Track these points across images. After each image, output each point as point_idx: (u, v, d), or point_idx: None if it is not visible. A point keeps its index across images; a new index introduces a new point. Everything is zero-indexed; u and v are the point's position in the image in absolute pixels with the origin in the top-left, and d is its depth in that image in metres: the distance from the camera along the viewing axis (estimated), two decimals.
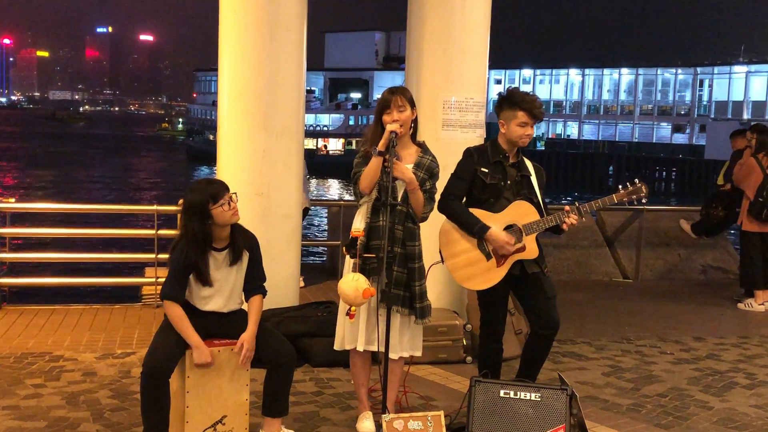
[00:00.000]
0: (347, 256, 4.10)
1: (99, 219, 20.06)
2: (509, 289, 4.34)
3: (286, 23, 5.82)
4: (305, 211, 7.79)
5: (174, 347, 3.74)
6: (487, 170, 4.20)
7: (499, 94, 4.32)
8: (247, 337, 3.84)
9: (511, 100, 4.19)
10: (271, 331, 4.02)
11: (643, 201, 4.25)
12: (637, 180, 4.28)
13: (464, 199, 4.28)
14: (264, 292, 4.02)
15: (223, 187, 3.82)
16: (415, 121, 4.13)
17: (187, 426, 3.79)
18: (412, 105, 4.08)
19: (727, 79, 56.70)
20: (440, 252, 4.26)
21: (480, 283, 4.19)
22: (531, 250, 4.15)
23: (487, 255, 4.14)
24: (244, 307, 4.00)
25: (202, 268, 3.79)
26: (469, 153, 4.31)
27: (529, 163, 4.35)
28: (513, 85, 5.09)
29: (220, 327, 3.90)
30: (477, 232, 4.13)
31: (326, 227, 11.89)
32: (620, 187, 4.28)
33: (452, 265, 4.21)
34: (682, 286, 8.99)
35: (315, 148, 62.51)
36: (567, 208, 4.16)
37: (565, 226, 4.14)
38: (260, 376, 4.04)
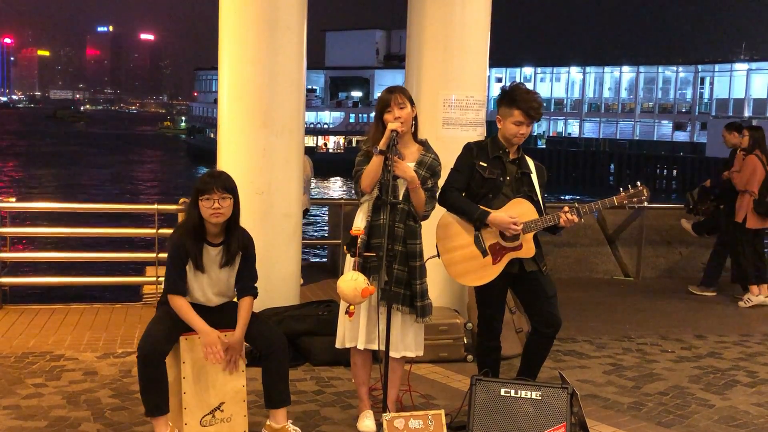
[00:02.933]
0: (347, 255, 4.10)
1: (99, 218, 20.06)
2: (507, 287, 4.33)
3: (286, 22, 5.81)
4: (305, 213, 7.77)
5: (167, 330, 3.78)
6: (485, 164, 4.19)
7: (502, 88, 4.28)
8: (234, 340, 3.85)
9: (509, 97, 4.14)
10: (261, 320, 4.03)
11: (645, 204, 4.23)
12: (639, 183, 4.26)
13: (463, 193, 4.27)
14: (255, 294, 4.00)
15: (216, 184, 3.76)
16: (415, 119, 4.12)
17: (185, 412, 3.80)
18: (412, 103, 4.08)
19: (728, 76, 56.68)
20: (436, 246, 4.25)
21: (474, 279, 4.18)
22: (528, 249, 4.14)
23: (483, 252, 4.13)
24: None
25: (195, 253, 3.81)
26: (468, 147, 4.30)
27: (530, 161, 4.33)
28: (519, 83, 5.02)
29: (210, 318, 3.88)
30: (478, 218, 4.10)
31: (326, 226, 11.89)
32: (621, 189, 4.27)
33: (448, 260, 4.20)
34: (684, 284, 8.97)
35: (315, 145, 62.53)
36: (566, 208, 4.13)
37: (562, 221, 4.09)
38: (259, 375, 4.04)
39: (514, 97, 4.12)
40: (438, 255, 4.24)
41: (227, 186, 3.80)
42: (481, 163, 4.19)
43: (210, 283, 3.91)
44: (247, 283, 3.98)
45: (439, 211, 4.24)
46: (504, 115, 4.18)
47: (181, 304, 3.82)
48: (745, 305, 7.81)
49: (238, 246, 3.90)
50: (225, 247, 3.88)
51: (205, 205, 3.75)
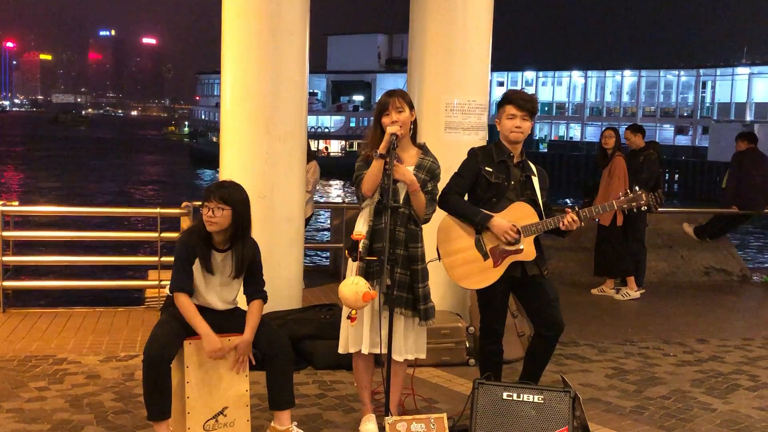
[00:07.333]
0: (349, 259, 4.10)
1: (102, 222, 20.09)
2: (508, 291, 4.35)
3: (288, 26, 5.82)
4: (308, 220, 7.75)
5: (173, 334, 3.79)
6: (491, 169, 4.22)
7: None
8: (243, 341, 3.87)
9: (502, 98, 4.30)
10: (265, 323, 4.04)
11: (643, 209, 4.25)
12: (637, 188, 4.29)
13: (465, 197, 4.29)
14: (265, 298, 4.05)
15: (215, 194, 3.81)
16: (414, 123, 4.14)
17: (188, 417, 3.81)
18: (411, 107, 4.09)
19: (729, 80, 56.74)
20: (437, 249, 4.26)
21: (476, 282, 4.20)
22: (528, 252, 4.16)
23: (484, 255, 4.15)
24: (242, 306, 4.04)
25: (203, 256, 3.85)
26: (473, 152, 4.34)
27: (532, 165, 4.37)
28: (515, 88, 5.18)
29: (217, 322, 3.91)
30: (479, 221, 4.13)
31: (328, 229, 11.90)
32: (621, 193, 4.30)
33: (449, 263, 4.22)
34: (685, 287, 8.98)
35: (316, 149, 62.64)
36: (568, 210, 4.16)
37: (562, 226, 4.13)
38: (263, 379, 4.05)
39: (505, 96, 4.30)
40: (439, 258, 4.25)
41: (225, 197, 3.82)
42: (486, 168, 4.23)
43: (217, 289, 3.94)
44: (256, 288, 4.03)
45: (440, 215, 4.25)
46: (499, 115, 4.29)
47: (186, 305, 3.83)
48: (623, 297, 8.15)
49: (245, 256, 3.93)
50: (231, 256, 3.91)
51: (203, 212, 3.85)
